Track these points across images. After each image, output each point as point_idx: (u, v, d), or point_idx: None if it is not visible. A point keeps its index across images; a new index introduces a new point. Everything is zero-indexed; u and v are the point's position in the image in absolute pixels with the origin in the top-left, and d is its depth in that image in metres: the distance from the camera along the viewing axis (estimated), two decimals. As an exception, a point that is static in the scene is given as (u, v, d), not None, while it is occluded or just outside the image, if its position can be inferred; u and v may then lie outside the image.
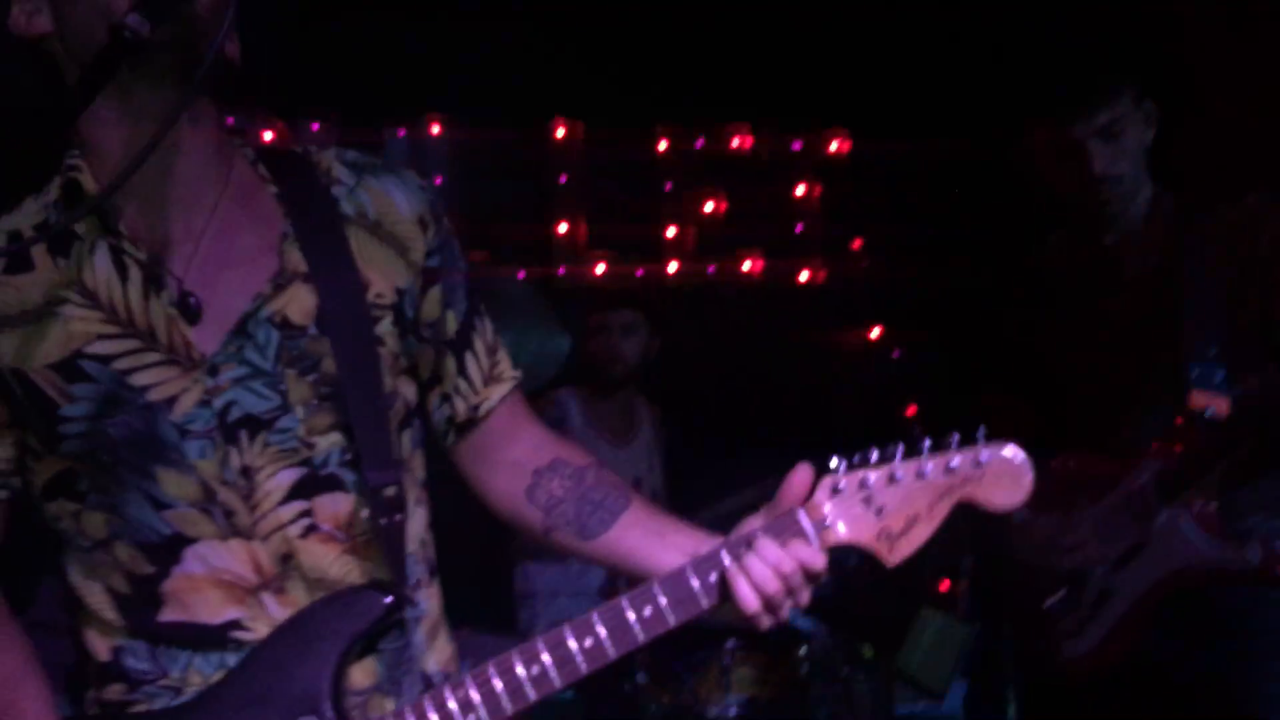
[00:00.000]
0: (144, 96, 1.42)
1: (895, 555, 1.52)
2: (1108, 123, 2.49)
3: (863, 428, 4.76)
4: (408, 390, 1.60)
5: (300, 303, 1.50)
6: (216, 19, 1.35)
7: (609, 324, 4.08)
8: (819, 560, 1.51)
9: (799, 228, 5.26)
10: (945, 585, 4.62)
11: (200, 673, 1.49)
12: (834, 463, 1.52)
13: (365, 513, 1.52)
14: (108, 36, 1.32)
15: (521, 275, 4.89)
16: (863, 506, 1.50)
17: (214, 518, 1.47)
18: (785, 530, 1.52)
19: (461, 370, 1.66)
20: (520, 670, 1.50)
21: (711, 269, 5.18)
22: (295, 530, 1.49)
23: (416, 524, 1.60)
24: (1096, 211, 2.56)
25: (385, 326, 1.54)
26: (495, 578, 3.99)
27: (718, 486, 4.09)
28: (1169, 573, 2.41)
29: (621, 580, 3.45)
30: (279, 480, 1.49)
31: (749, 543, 1.52)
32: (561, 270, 5.00)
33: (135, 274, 1.47)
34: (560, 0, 4.67)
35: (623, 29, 4.73)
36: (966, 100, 4.73)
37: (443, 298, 1.62)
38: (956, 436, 1.52)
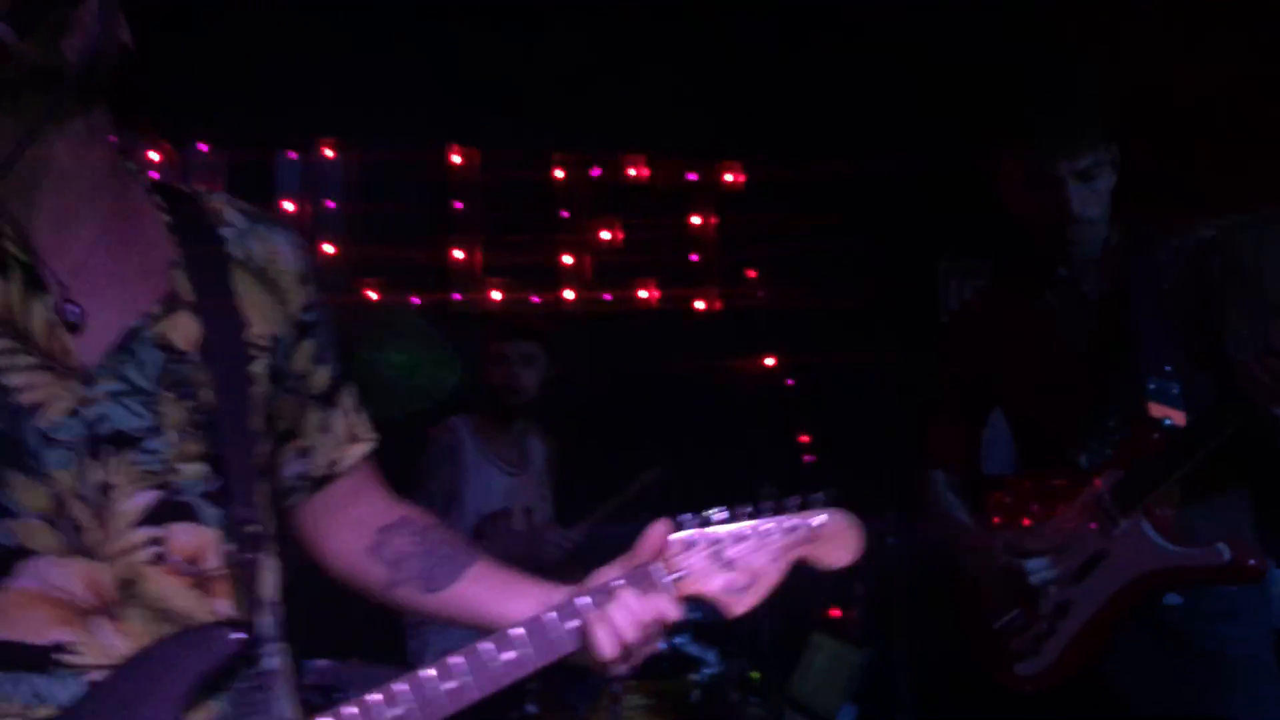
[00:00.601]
0: (20, 104, 1.39)
1: (740, 607, 1.64)
2: (1088, 166, 2.54)
3: (758, 456, 4.80)
4: (266, 439, 1.60)
5: (185, 329, 1.49)
6: (97, 29, 1.34)
7: (508, 354, 4.06)
8: (675, 611, 1.61)
9: (694, 257, 5.30)
10: (836, 612, 4.67)
11: (11, 700, 1.41)
12: (686, 519, 1.63)
13: (220, 549, 1.49)
14: None
15: (417, 301, 4.86)
16: (712, 561, 1.62)
17: (60, 532, 1.42)
18: (643, 581, 1.62)
19: (325, 426, 1.68)
20: (385, 712, 1.51)
21: (608, 297, 5.19)
22: (144, 556, 1.45)
23: (269, 576, 1.56)
24: (1063, 248, 2.60)
25: (259, 367, 1.55)
26: (384, 606, 3.93)
27: (607, 517, 4.09)
28: (1134, 578, 2.44)
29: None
30: (135, 501, 1.45)
31: (609, 592, 1.60)
32: (457, 297, 4.97)
33: (16, 274, 1.44)
34: (457, 26, 4.67)
35: (520, 57, 4.74)
36: (862, 128, 4.84)
37: (315, 353, 1.64)
38: (797, 499, 1.66)
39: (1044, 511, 2.60)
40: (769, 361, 5.42)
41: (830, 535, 1.65)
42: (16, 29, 1.27)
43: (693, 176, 5.32)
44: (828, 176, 4.84)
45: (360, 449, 1.72)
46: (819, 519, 1.65)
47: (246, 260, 1.57)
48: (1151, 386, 2.50)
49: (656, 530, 1.64)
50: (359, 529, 1.69)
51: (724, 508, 1.63)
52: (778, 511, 1.63)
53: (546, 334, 4.16)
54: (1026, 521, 2.63)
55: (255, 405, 1.54)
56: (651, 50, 4.78)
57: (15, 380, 1.42)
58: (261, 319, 1.56)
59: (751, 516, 1.63)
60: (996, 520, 2.71)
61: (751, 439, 4.96)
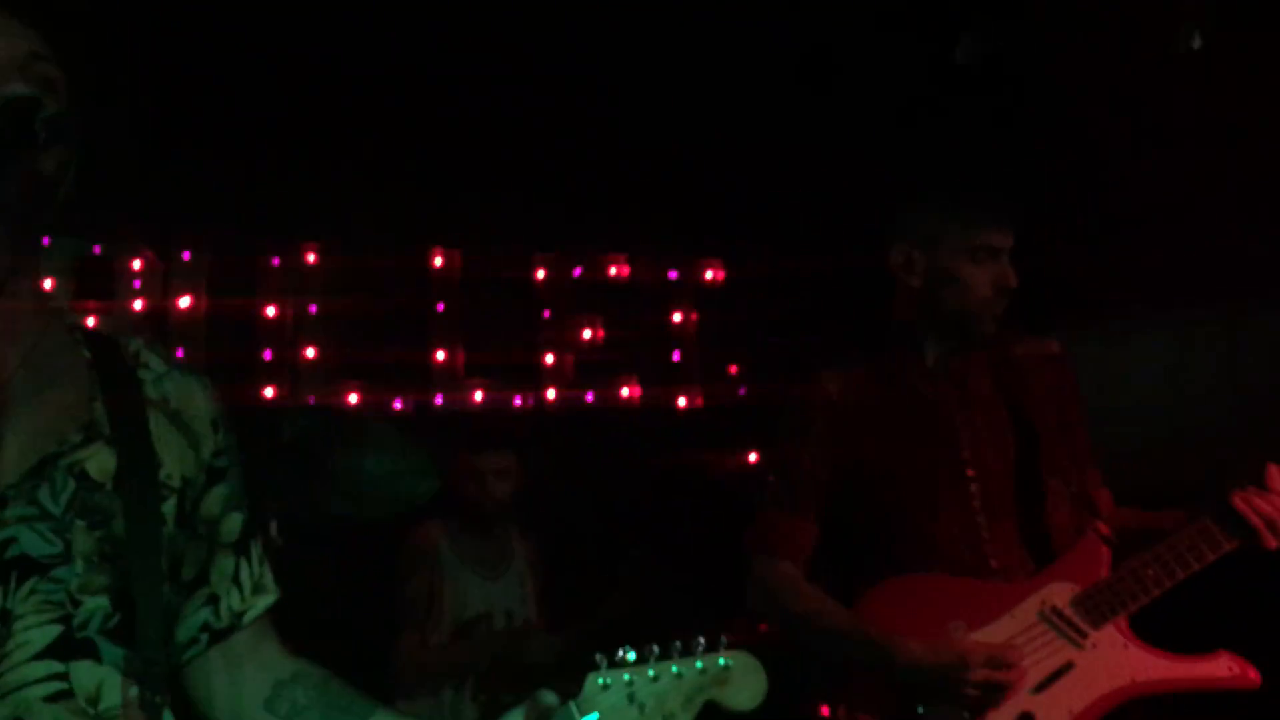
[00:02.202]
0: None
1: None
2: (1012, 245, 2.60)
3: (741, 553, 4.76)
4: (172, 585, 1.58)
5: (101, 461, 1.49)
6: (57, 179, 1.40)
7: (481, 467, 4.04)
8: None
9: (676, 355, 5.32)
10: (825, 710, 4.60)
11: None
12: (599, 659, 1.62)
13: (119, 689, 1.45)
14: None
15: (399, 403, 4.85)
16: (627, 702, 1.61)
17: None
18: None
19: (235, 575, 1.65)
20: None
21: (590, 396, 5.20)
22: (40, 691, 1.40)
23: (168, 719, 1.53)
24: (988, 322, 2.62)
25: (169, 508, 1.54)
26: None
27: (591, 617, 4.04)
28: (1114, 689, 2.44)
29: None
30: (36, 634, 1.41)
31: None
32: (439, 398, 4.97)
33: None
34: (438, 129, 4.73)
35: (500, 159, 4.80)
36: (834, 223, 4.90)
37: (227, 499, 1.63)
38: (702, 640, 1.65)
39: (974, 618, 2.51)
40: (752, 457, 5.41)
41: (740, 675, 1.65)
42: None
43: (673, 274, 5.36)
44: (807, 270, 4.88)
45: (264, 601, 1.69)
46: (727, 660, 1.64)
47: (162, 402, 1.58)
48: (1072, 494, 2.56)
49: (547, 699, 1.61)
50: (254, 684, 1.65)
51: (631, 648, 1.62)
52: (686, 652, 1.63)
53: (521, 444, 4.15)
54: (939, 627, 2.51)
55: (164, 545, 1.52)
56: (630, 149, 4.85)
57: None
58: (173, 460, 1.56)
59: (661, 657, 1.62)
60: (894, 624, 2.53)
61: (736, 535, 4.93)
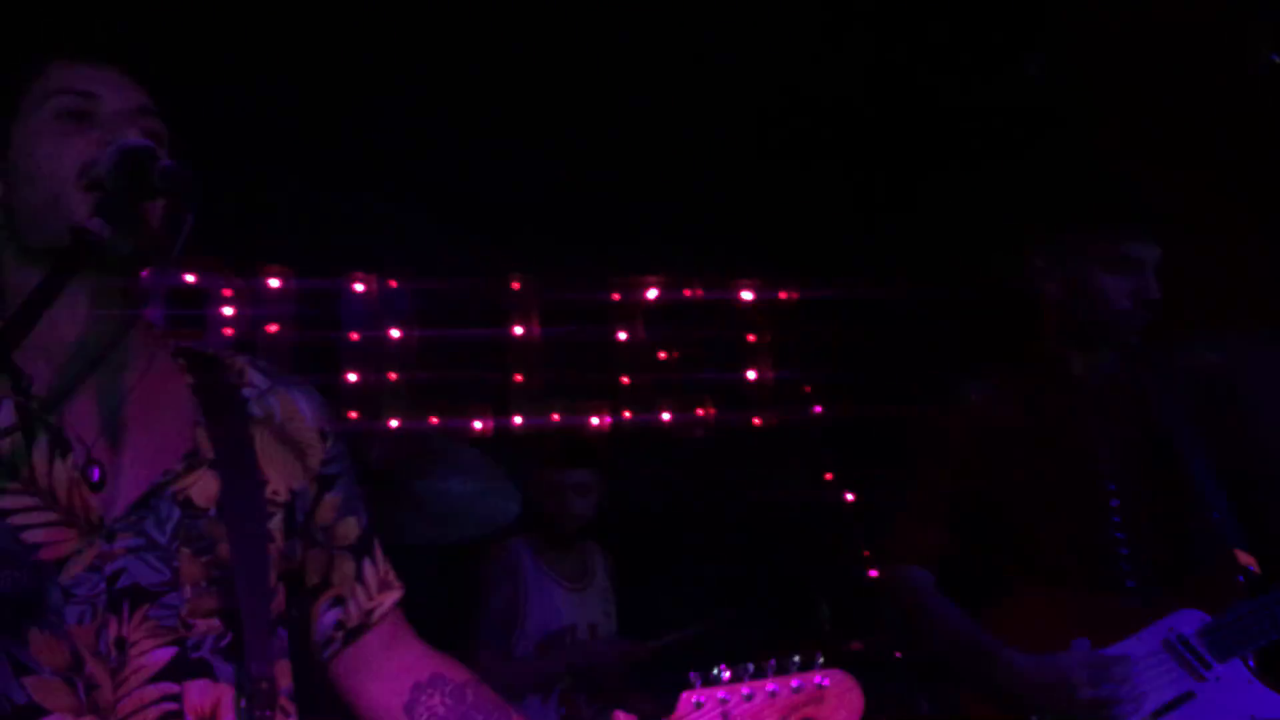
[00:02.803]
0: (90, 288, 1.51)
1: None
2: (1160, 258, 2.59)
3: (819, 571, 4.79)
4: (281, 594, 1.63)
5: (204, 486, 1.54)
6: (170, 228, 1.46)
7: (562, 483, 4.11)
8: None
9: (751, 375, 5.35)
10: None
11: None
12: (694, 678, 1.60)
13: (234, 706, 1.51)
14: (68, 238, 1.41)
15: (479, 425, 4.94)
16: None
17: (76, 690, 1.43)
18: None
19: (359, 575, 1.71)
20: None
21: (666, 417, 5.25)
22: (155, 713, 1.46)
23: None
24: (1129, 331, 2.59)
25: (275, 523, 1.60)
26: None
27: (673, 633, 4.09)
28: None
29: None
30: (151, 658, 1.47)
31: None
32: (519, 419, 5.05)
33: (43, 437, 1.49)
34: (516, 156, 4.82)
35: (578, 184, 4.88)
36: (909, 246, 4.91)
37: (341, 504, 1.69)
38: (797, 658, 1.63)
39: (1100, 637, 2.51)
40: (828, 476, 5.43)
41: (837, 695, 1.62)
42: (107, 223, 1.40)
43: (748, 295, 5.40)
44: (880, 292, 4.90)
45: (392, 596, 1.74)
46: (823, 679, 1.61)
47: (267, 419, 1.63)
48: (1219, 524, 2.51)
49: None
50: (394, 685, 1.70)
51: (725, 667, 1.60)
52: (781, 670, 1.61)
53: (600, 460, 4.21)
54: (1058, 642, 2.51)
55: (272, 561, 1.57)
56: (705, 171, 4.90)
57: (37, 537, 1.45)
58: (279, 475, 1.61)
59: (756, 676, 1.60)
60: (1020, 638, 2.55)
61: (812, 555, 4.95)
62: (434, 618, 4.20)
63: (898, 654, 4.37)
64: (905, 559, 2.70)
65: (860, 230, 5.02)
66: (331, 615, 1.70)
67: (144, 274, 1.59)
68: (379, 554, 1.75)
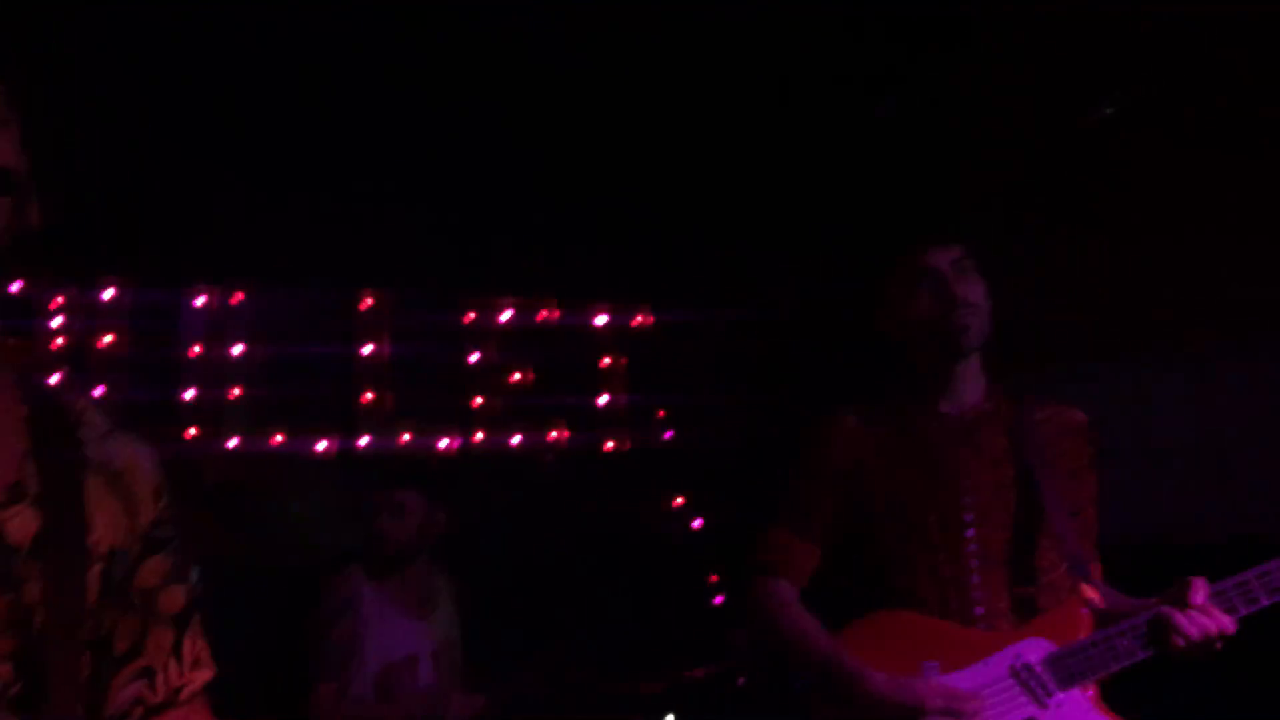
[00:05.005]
0: None
1: None
2: (961, 255, 2.66)
3: (668, 596, 4.79)
4: (101, 657, 1.52)
5: (22, 522, 1.44)
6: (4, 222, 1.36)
7: (381, 506, 4.02)
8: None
9: (604, 398, 5.35)
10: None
11: None
12: None
13: None
14: None
15: (324, 445, 4.82)
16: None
17: None
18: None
19: (176, 649, 1.59)
20: None
21: (518, 439, 5.20)
22: None
23: None
24: (955, 336, 2.65)
25: (94, 577, 1.49)
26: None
27: (520, 659, 4.04)
28: None
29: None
30: None
31: None
32: (367, 440, 4.94)
33: None
34: (368, 168, 4.74)
35: (431, 201, 4.82)
36: (763, 269, 4.97)
37: (170, 571, 1.58)
38: None
39: (948, 661, 2.57)
40: (678, 501, 5.44)
41: None
42: None
43: (602, 319, 5.39)
44: (735, 317, 4.94)
45: (204, 676, 1.62)
46: None
47: (102, 465, 1.53)
48: (1067, 557, 2.60)
49: None
50: None
51: None
52: None
53: (423, 480, 4.14)
54: (910, 665, 2.56)
55: (83, 614, 1.47)
56: (562, 194, 4.89)
57: None
58: (105, 526, 1.50)
59: None
60: (873, 655, 2.59)
61: (662, 579, 4.95)
62: (269, 648, 4.11)
63: (740, 681, 4.40)
64: (775, 572, 2.72)
65: (715, 254, 5.06)
66: (133, 688, 1.56)
67: None
68: (198, 630, 1.62)
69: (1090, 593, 2.60)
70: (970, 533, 2.64)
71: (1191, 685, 2.84)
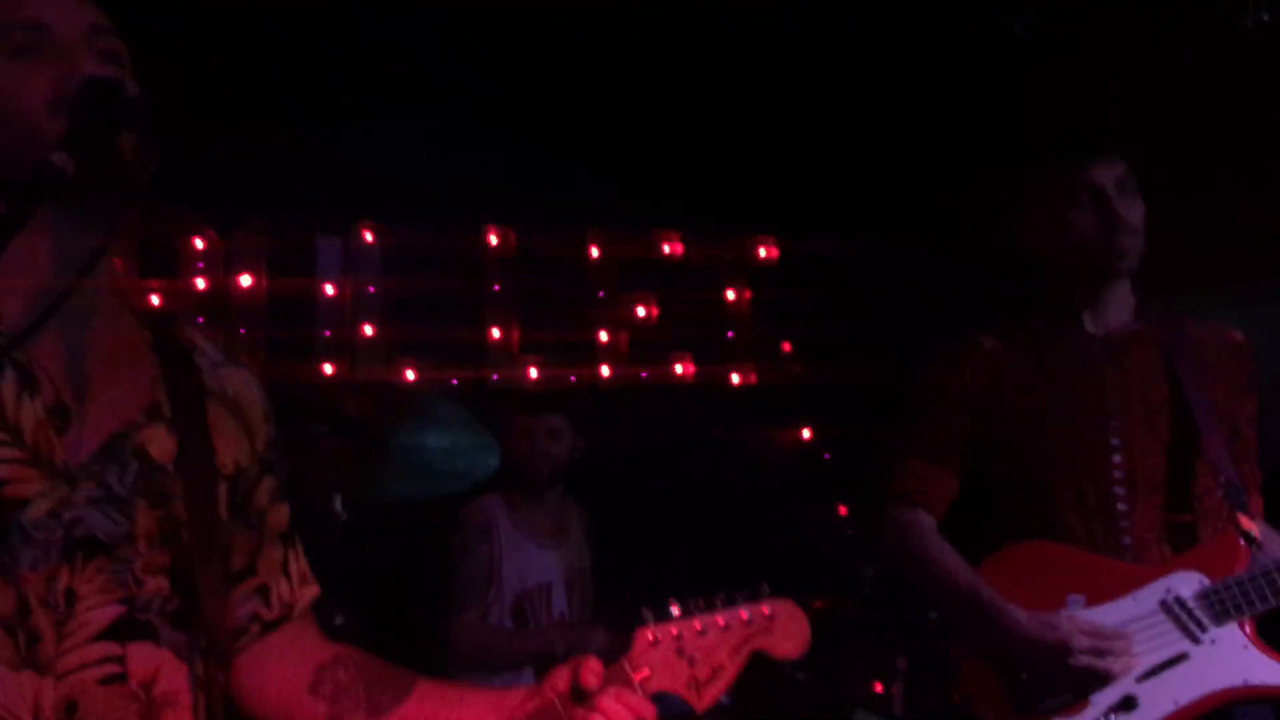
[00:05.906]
0: (58, 224, 1.44)
1: (704, 700, 1.65)
2: (1124, 174, 2.53)
3: (795, 529, 4.78)
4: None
5: (162, 442, 1.51)
6: (140, 159, 1.39)
7: (535, 429, 4.10)
8: (649, 709, 1.60)
9: (729, 332, 5.33)
10: (878, 687, 4.61)
11: None
12: (646, 615, 1.64)
13: (176, 673, 1.47)
14: (30, 172, 1.36)
15: (454, 381, 4.90)
16: (676, 657, 1.63)
17: (16, 641, 1.38)
18: (615, 680, 1.60)
19: (285, 566, 1.67)
20: None
21: (644, 373, 5.22)
22: (96, 674, 1.42)
23: (220, 705, 1.51)
24: (1113, 259, 2.54)
25: (223, 494, 1.57)
26: None
27: (649, 589, 4.08)
28: (1223, 689, 2.40)
29: None
30: (98, 615, 1.42)
31: (580, 693, 1.57)
32: (495, 375, 5.01)
33: (10, 372, 1.44)
34: (492, 108, 4.76)
35: (554, 136, 4.82)
36: (891, 200, 4.88)
37: (277, 490, 1.65)
38: (746, 591, 1.67)
39: (1095, 594, 2.48)
40: (805, 434, 5.42)
41: (785, 624, 1.67)
42: (73, 158, 1.35)
43: (727, 252, 5.36)
44: (862, 248, 4.86)
45: (310, 594, 1.70)
46: (770, 609, 1.66)
47: (219, 390, 1.60)
48: (1228, 491, 2.49)
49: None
50: (297, 670, 1.65)
51: (676, 603, 1.64)
52: (730, 604, 1.65)
53: (571, 407, 4.19)
54: (1054, 598, 2.49)
55: (220, 528, 1.54)
56: (685, 126, 4.85)
57: (1, 472, 1.41)
58: (227, 448, 1.58)
59: (706, 610, 1.65)
60: (1015, 589, 2.52)
61: (789, 511, 4.95)
62: (408, 575, 4.22)
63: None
64: (913, 502, 2.63)
65: (838, 182, 4.98)
66: (251, 604, 1.64)
67: (116, 211, 1.49)
68: (300, 548, 1.70)
69: (1247, 524, 2.47)
70: (1117, 458, 2.53)
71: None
